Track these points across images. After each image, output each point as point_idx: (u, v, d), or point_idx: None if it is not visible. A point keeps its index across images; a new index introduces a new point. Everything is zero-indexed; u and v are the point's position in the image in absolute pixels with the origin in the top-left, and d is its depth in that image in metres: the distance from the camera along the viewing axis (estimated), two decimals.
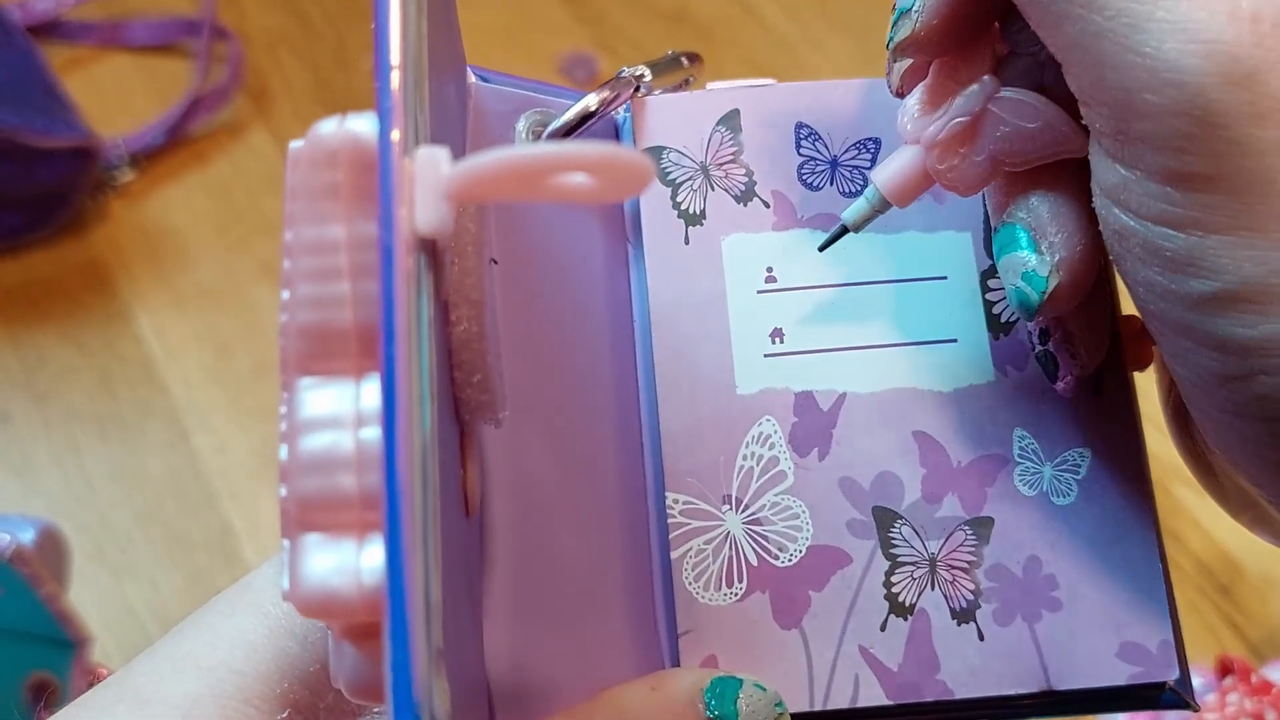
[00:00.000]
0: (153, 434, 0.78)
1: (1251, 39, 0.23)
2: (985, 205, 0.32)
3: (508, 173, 0.22)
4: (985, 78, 0.28)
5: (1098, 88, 0.25)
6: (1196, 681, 0.57)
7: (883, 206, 0.30)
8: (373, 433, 0.22)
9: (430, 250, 0.22)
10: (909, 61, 0.29)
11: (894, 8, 0.28)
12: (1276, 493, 0.27)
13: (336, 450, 0.22)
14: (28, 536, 0.59)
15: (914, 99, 0.29)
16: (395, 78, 0.22)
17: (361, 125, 0.23)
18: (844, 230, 0.31)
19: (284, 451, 0.22)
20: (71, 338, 0.81)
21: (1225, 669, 0.56)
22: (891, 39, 0.28)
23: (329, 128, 0.23)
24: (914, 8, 0.28)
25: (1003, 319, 0.32)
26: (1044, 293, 0.28)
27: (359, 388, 0.22)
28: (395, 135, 0.22)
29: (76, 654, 0.62)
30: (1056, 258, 0.28)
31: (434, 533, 0.20)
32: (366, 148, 0.22)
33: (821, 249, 0.32)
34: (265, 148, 0.90)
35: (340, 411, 0.22)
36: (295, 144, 0.23)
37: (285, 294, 0.23)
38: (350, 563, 0.21)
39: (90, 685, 0.60)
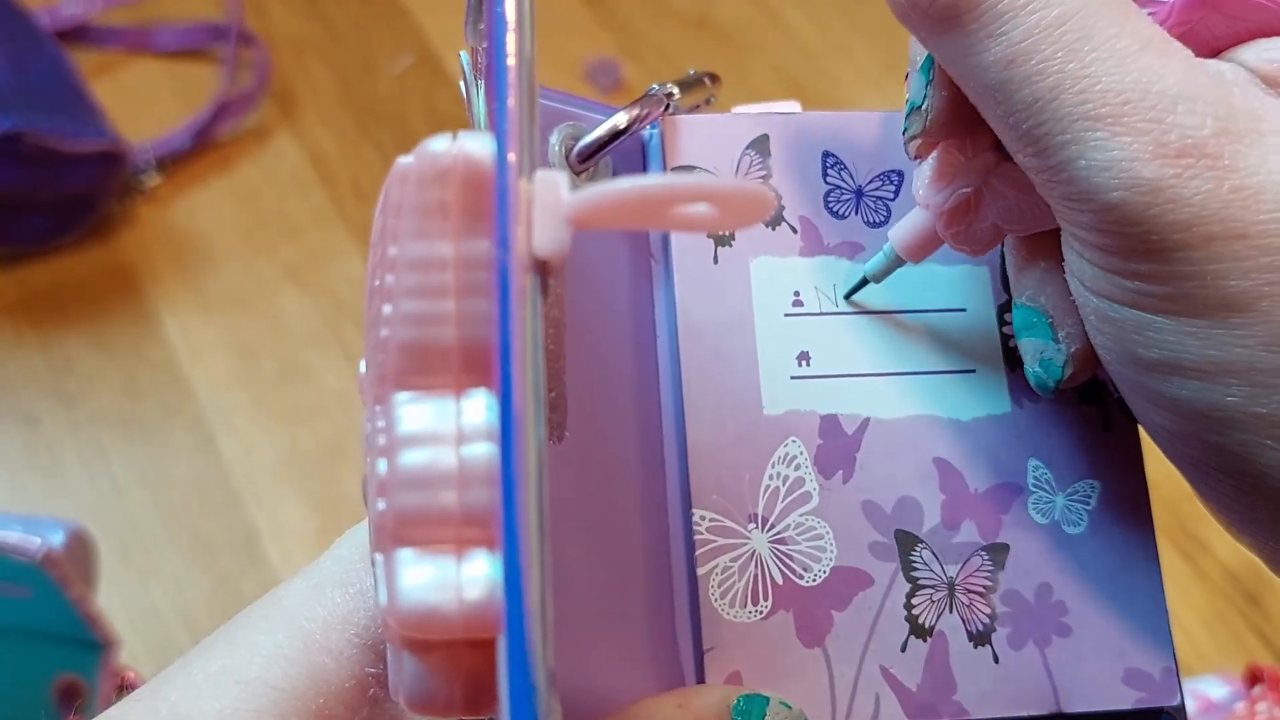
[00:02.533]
0: (178, 437, 0.78)
1: (1174, 170, 0.25)
2: (1002, 244, 0.33)
3: (633, 202, 0.22)
4: (987, 153, 0.30)
5: (1048, 191, 0.27)
6: (1225, 690, 0.57)
7: (899, 262, 0.32)
8: (477, 449, 0.22)
9: (543, 271, 0.22)
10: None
11: (906, 101, 0.30)
12: (1245, 534, 0.29)
13: (437, 466, 0.22)
14: (57, 539, 0.60)
15: (927, 167, 0.31)
16: (512, 99, 0.22)
17: (474, 144, 0.23)
18: (865, 281, 0.33)
19: (382, 466, 0.22)
20: (99, 341, 0.82)
21: (1254, 677, 0.56)
22: (906, 130, 0.30)
23: (440, 145, 0.23)
24: (924, 106, 0.30)
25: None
26: (1059, 381, 0.30)
27: (460, 404, 0.22)
28: (512, 157, 0.22)
29: (104, 656, 0.62)
30: (1072, 349, 0.30)
31: (548, 552, 0.20)
32: (479, 167, 0.22)
33: (847, 297, 0.33)
34: (291, 152, 0.90)
35: (441, 427, 0.22)
36: (404, 159, 0.23)
37: (386, 309, 0.23)
38: (450, 578, 0.21)
39: (118, 688, 0.61)
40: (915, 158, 0.31)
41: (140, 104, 0.92)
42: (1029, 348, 0.31)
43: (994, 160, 0.30)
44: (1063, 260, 0.29)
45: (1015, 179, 0.29)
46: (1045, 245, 0.30)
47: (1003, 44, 0.26)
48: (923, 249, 0.32)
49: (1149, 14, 0.27)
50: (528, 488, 0.20)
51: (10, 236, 0.84)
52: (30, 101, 0.82)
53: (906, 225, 0.32)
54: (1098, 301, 0.27)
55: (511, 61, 0.23)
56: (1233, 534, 0.30)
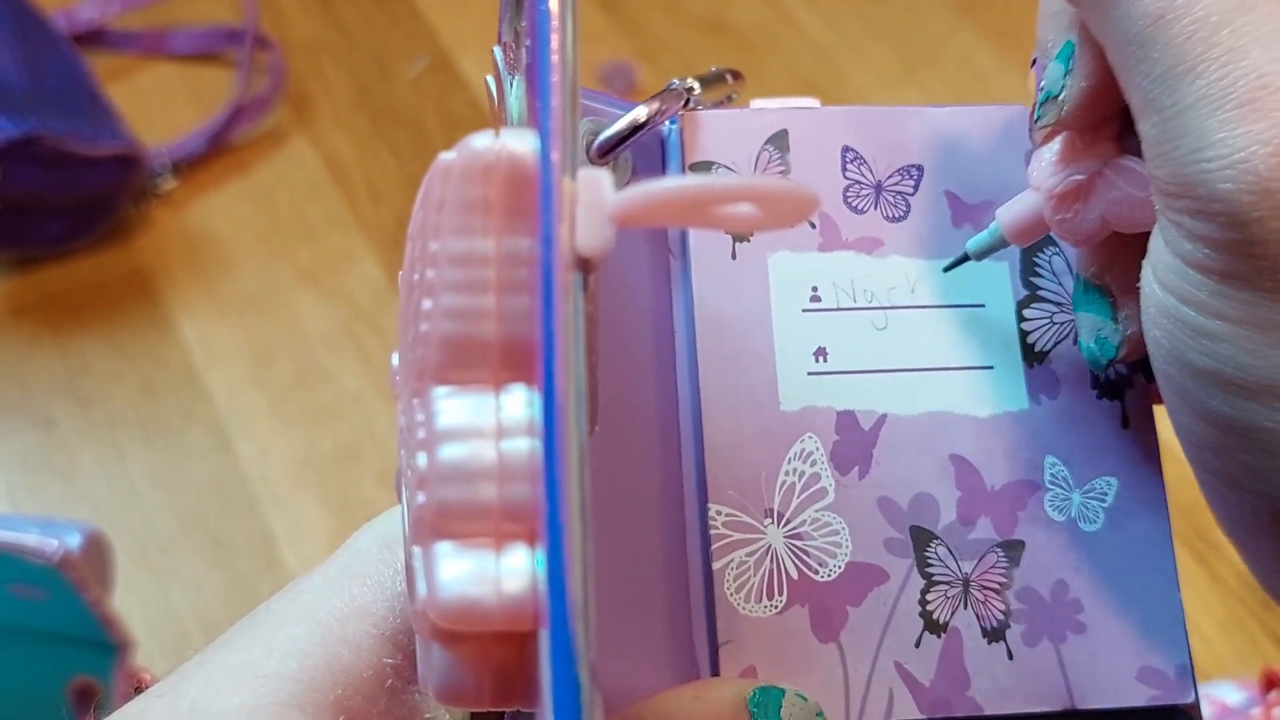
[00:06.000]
0: (195, 439, 0.79)
1: None
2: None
3: (678, 201, 0.22)
4: (1108, 143, 0.29)
5: (1157, 167, 0.26)
6: (1241, 695, 0.57)
7: (1002, 243, 0.32)
8: (517, 444, 0.22)
9: (585, 269, 0.22)
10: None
11: (1039, 88, 0.30)
12: (1246, 551, 0.29)
13: (478, 460, 0.22)
14: (74, 542, 0.60)
15: (1049, 151, 0.30)
16: (556, 99, 0.22)
17: (517, 142, 0.23)
18: (965, 257, 0.33)
19: (421, 459, 0.22)
20: (115, 343, 0.82)
21: (1271, 683, 0.56)
22: (1039, 118, 0.30)
23: (483, 142, 0.23)
24: (1061, 97, 0.29)
25: (1037, 348, 0.33)
26: (1111, 360, 0.30)
27: (499, 399, 0.22)
28: (556, 156, 0.22)
29: (120, 658, 0.62)
30: (1128, 331, 0.30)
31: (590, 547, 0.21)
32: (522, 165, 0.23)
33: (946, 270, 0.33)
34: (306, 155, 0.91)
35: (481, 422, 0.22)
36: (446, 155, 0.23)
37: (427, 303, 0.23)
38: (489, 571, 0.22)
39: (134, 689, 0.61)
40: (1039, 144, 0.31)
41: (156, 107, 0.93)
42: (1086, 322, 0.31)
43: (1113, 151, 0.29)
44: (1132, 243, 0.28)
45: (1130, 174, 0.29)
46: (1136, 245, 0.29)
47: None
48: (1028, 232, 0.31)
49: None
50: (571, 484, 0.20)
51: (27, 239, 0.84)
52: (46, 105, 0.82)
53: (1015, 207, 0.31)
54: (1163, 295, 0.27)
55: (555, 61, 0.23)
56: (1235, 546, 0.30)
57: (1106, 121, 0.28)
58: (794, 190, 0.22)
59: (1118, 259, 0.30)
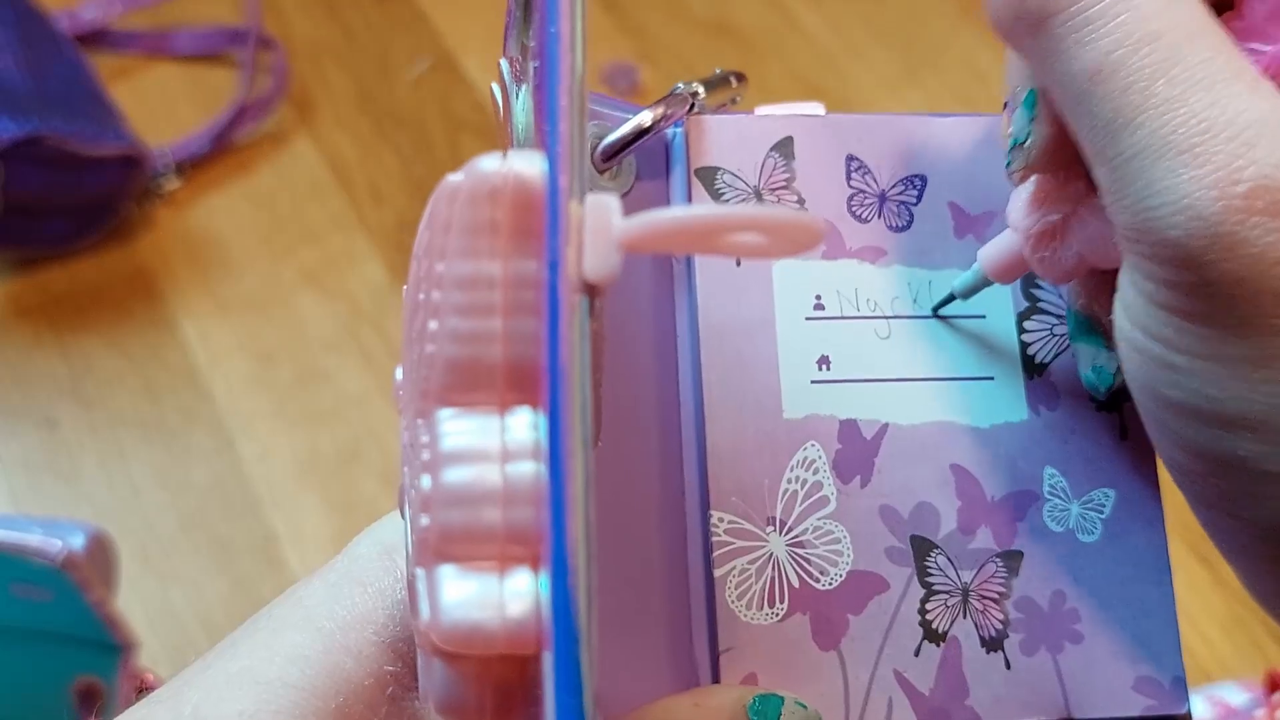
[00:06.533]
0: (197, 441, 0.79)
1: (1237, 216, 0.24)
2: None
3: (686, 230, 0.22)
4: (1079, 182, 0.30)
5: (1114, 213, 0.27)
6: (1244, 696, 0.57)
7: (986, 282, 0.32)
8: (522, 468, 0.22)
9: (591, 293, 0.22)
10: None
11: (1009, 135, 0.30)
12: (1236, 566, 0.30)
13: (482, 483, 0.22)
14: (78, 542, 0.60)
15: (1025, 190, 0.31)
16: (565, 124, 0.22)
17: (525, 164, 0.23)
18: (952, 297, 0.33)
19: (426, 482, 0.22)
20: (117, 344, 0.82)
21: (1274, 684, 0.56)
22: (1009, 164, 0.30)
23: (491, 164, 0.23)
24: (1027, 143, 0.29)
25: (1036, 360, 0.33)
26: (1109, 387, 0.31)
27: (504, 421, 0.22)
28: (564, 180, 0.22)
29: (123, 658, 0.62)
30: None
31: (594, 574, 0.20)
32: (530, 187, 0.23)
33: (934, 310, 0.33)
34: (309, 156, 0.90)
35: (486, 445, 0.22)
36: (453, 177, 0.23)
37: (433, 324, 0.23)
38: (493, 595, 0.22)
39: (137, 690, 0.61)
40: (1016, 183, 0.31)
41: (159, 108, 0.93)
42: (1083, 352, 0.31)
43: (1084, 190, 0.30)
44: (1116, 275, 0.28)
45: (1103, 213, 0.29)
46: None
47: (1092, 53, 0.25)
48: (1010, 271, 0.32)
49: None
50: (576, 509, 0.20)
51: (30, 240, 0.84)
52: (50, 105, 0.82)
53: (996, 246, 0.32)
54: (1132, 331, 0.27)
55: (564, 84, 0.23)
56: (1225, 560, 0.30)
57: (1077, 161, 0.29)
58: (802, 221, 0.22)
59: (1104, 290, 0.30)
